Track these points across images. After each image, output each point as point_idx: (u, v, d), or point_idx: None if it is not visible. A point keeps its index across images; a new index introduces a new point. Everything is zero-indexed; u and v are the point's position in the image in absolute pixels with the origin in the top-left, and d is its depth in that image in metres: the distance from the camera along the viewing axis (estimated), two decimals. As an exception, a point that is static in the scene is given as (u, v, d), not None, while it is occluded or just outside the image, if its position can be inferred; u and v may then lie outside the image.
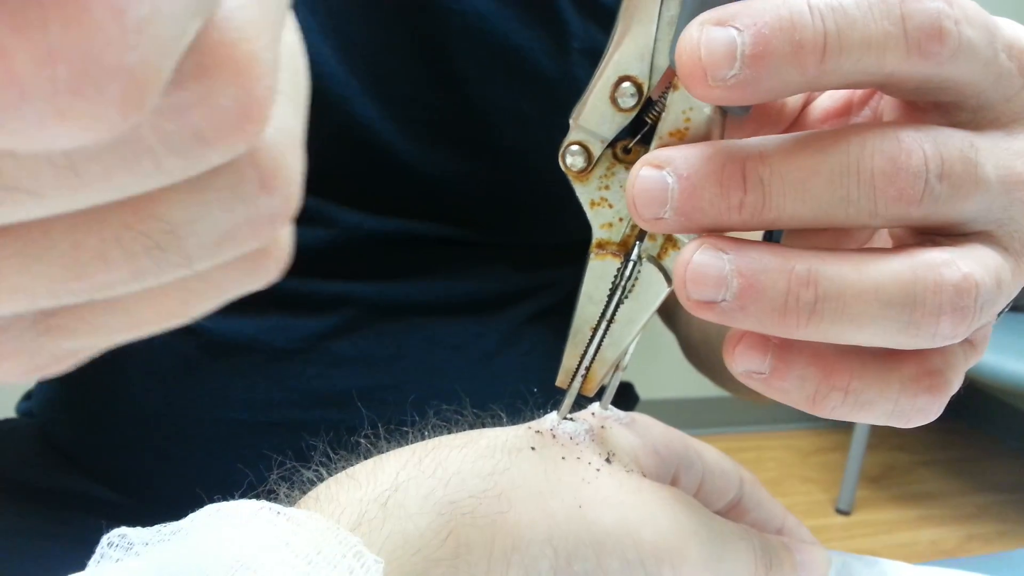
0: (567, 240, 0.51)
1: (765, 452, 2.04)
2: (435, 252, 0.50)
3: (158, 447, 0.48)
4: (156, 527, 0.24)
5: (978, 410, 2.20)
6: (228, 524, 0.23)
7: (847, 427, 1.88)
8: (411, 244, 0.49)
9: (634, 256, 0.25)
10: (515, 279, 0.52)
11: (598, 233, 0.26)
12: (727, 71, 0.20)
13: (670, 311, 0.59)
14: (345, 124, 0.45)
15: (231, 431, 0.47)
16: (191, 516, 0.24)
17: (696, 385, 1.80)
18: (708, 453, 0.33)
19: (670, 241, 0.25)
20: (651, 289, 0.25)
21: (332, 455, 0.27)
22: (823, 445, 2.09)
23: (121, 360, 0.50)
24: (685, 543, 0.26)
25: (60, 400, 0.55)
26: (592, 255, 0.26)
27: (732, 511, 0.33)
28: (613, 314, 0.26)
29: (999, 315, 0.24)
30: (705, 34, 0.20)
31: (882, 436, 2.02)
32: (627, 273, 0.25)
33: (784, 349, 0.22)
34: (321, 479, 0.26)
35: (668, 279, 0.25)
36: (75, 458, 0.51)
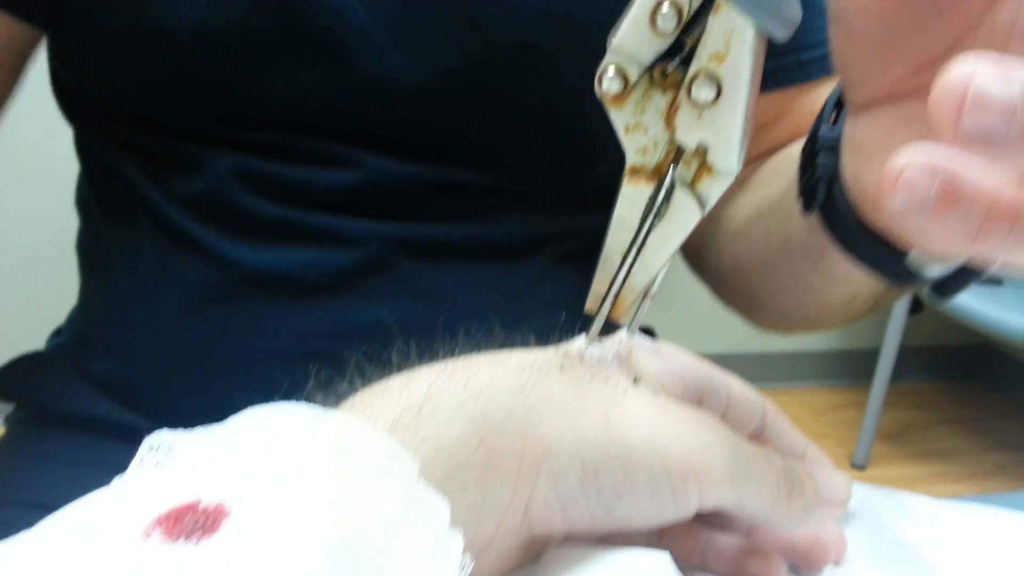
0: (593, 187, 0.52)
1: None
2: (461, 197, 0.50)
3: (191, 376, 0.49)
4: (196, 429, 0.25)
5: (996, 370, 2.19)
6: (267, 424, 0.24)
7: (863, 385, 1.88)
8: (437, 188, 0.49)
9: (667, 182, 0.26)
10: (541, 224, 0.53)
11: (632, 159, 0.26)
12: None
13: (698, 248, 0.59)
14: (373, 73, 0.46)
15: (264, 361, 0.48)
16: (230, 418, 0.25)
17: (711, 341, 1.81)
18: (733, 383, 0.33)
19: (704, 167, 0.25)
20: (683, 215, 0.26)
21: (365, 369, 0.28)
22: (839, 402, 2.10)
23: (151, 293, 0.51)
24: (711, 461, 0.27)
25: (89, 333, 0.56)
26: (625, 181, 0.26)
27: (755, 441, 0.34)
28: (644, 239, 0.26)
29: None
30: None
31: (899, 394, 2.02)
32: (660, 199, 0.26)
33: (950, 181, 0.20)
34: (355, 390, 0.27)
35: (701, 205, 0.26)
36: (107, 388, 0.52)
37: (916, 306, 1.67)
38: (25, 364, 0.58)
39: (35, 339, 0.62)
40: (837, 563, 0.34)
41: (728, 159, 0.25)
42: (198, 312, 0.49)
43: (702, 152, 0.25)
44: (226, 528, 0.20)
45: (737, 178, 0.57)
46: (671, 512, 0.27)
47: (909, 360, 1.91)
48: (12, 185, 1.60)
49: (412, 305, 0.49)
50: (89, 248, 0.57)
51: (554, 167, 0.51)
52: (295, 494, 0.22)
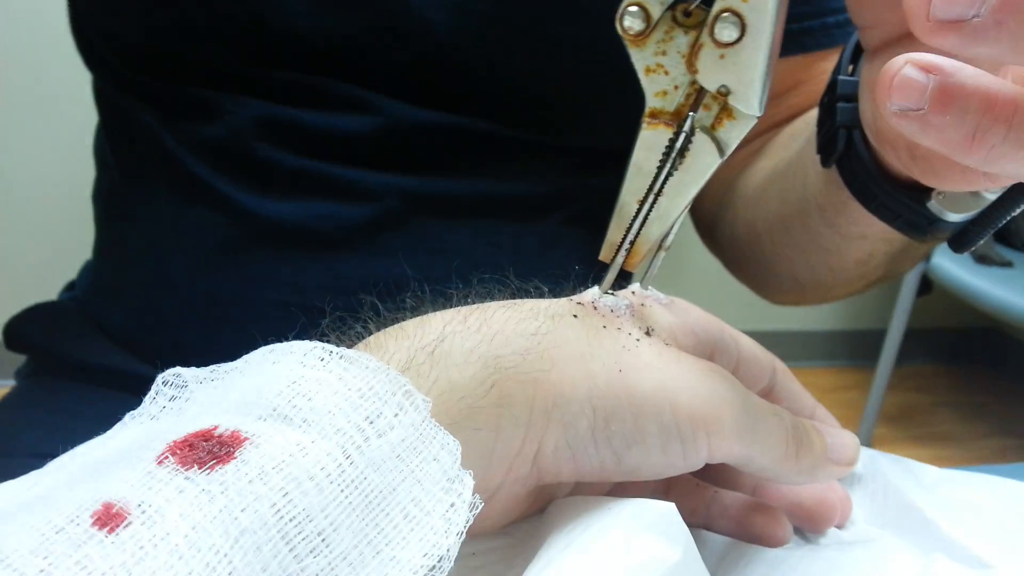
0: (611, 145, 0.51)
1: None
2: (478, 149, 0.50)
3: (204, 327, 0.49)
4: (211, 366, 0.25)
5: (1002, 354, 2.19)
6: (282, 360, 0.24)
7: (868, 367, 1.88)
8: (455, 138, 0.49)
9: (688, 126, 0.25)
10: (558, 182, 0.52)
11: (651, 102, 0.25)
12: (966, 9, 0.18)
13: (713, 217, 0.59)
14: (396, 14, 0.45)
15: (277, 313, 0.48)
16: (245, 356, 0.25)
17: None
18: (743, 340, 0.33)
19: (725, 111, 0.25)
20: (702, 160, 0.25)
21: (380, 311, 0.27)
22: (843, 383, 2.10)
23: (167, 243, 0.51)
24: (721, 412, 0.27)
25: (104, 284, 0.56)
26: (644, 124, 0.26)
27: (764, 398, 0.34)
28: (662, 186, 0.26)
29: None
30: None
31: (903, 377, 2.02)
32: (679, 143, 0.25)
33: (945, 80, 0.20)
34: (369, 333, 0.27)
35: (721, 150, 0.25)
36: (120, 339, 0.52)
37: (924, 287, 1.66)
38: (38, 314, 0.58)
39: (48, 294, 0.62)
40: (841, 525, 0.34)
41: (750, 102, 0.24)
42: (214, 263, 0.49)
43: (723, 95, 0.25)
44: (240, 457, 0.20)
45: (754, 146, 0.57)
46: (680, 463, 0.27)
47: (915, 342, 1.91)
48: (25, 138, 1.60)
49: (426, 262, 0.49)
50: (105, 198, 0.57)
51: (576, 119, 0.51)
52: (308, 427, 0.21)
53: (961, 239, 0.36)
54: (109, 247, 0.56)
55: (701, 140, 0.25)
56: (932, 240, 0.38)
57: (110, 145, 0.55)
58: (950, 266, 1.57)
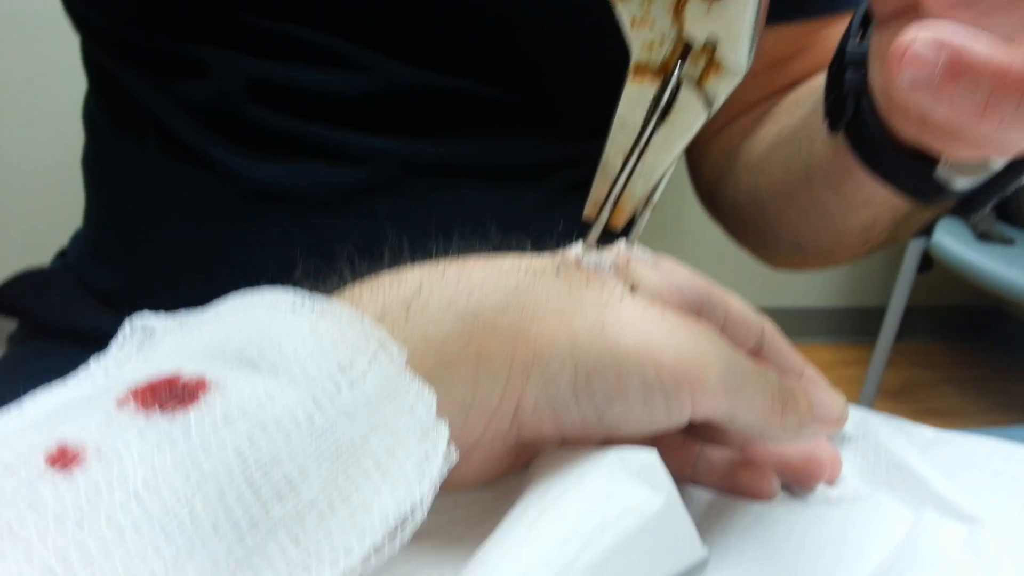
0: (607, 112, 0.51)
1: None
2: (472, 113, 0.49)
3: (195, 290, 0.49)
4: (180, 315, 0.24)
5: (1002, 331, 2.19)
6: (252, 308, 0.24)
7: (868, 343, 1.88)
8: (448, 100, 0.48)
9: (674, 79, 0.25)
10: (552, 149, 0.52)
11: (637, 55, 0.25)
12: None
13: (715, 183, 0.58)
14: None
15: (267, 278, 0.48)
16: (215, 305, 0.25)
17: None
18: (731, 299, 0.33)
19: (712, 65, 0.25)
20: (689, 114, 0.25)
21: (356, 263, 0.27)
22: (843, 359, 2.10)
23: (157, 207, 0.51)
24: (705, 369, 0.26)
25: (95, 248, 0.56)
26: (629, 79, 0.26)
27: (752, 358, 0.34)
28: (647, 141, 0.26)
29: None
30: None
31: (904, 353, 2.02)
32: (665, 97, 0.25)
33: (956, 54, 0.20)
34: (344, 285, 0.27)
35: (708, 104, 0.25)
36: (111, 302, 0.52)
37: (925, 263, 1.66)
38: (29, 279, 0.58)
39: (39, 262, 0.62)
40: (831, 482, 0.34)
41: (738, 54, 0.24)
42: (204, 227, 0.49)
43: (711, 47, 0.24)
44: (203, 402, 0.20)
45: (756, 113, 0.56)
46: (664, 419, 0.27)
47: (915, 319, 1.91)
48: (15, 106, 1.59)
49: (417, 228, 0.49)
50: (95, 163, 0.57)
51: (570, 83, 0.50)
52: (276, 374, 0.21)
53: (967, 205, 0.36)
54: (99, 212, 0.56)
55: (687, 95, 0.25)
56: (938, 206, 0.38)
57: (99, 110, 0.55)
58: (951, 243, 1.57)
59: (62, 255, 0.61)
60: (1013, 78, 0.20)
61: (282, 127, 0.47)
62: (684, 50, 0.25)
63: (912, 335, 2.02)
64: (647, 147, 0.26)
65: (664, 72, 0.25)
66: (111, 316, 0.53)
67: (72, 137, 0.59)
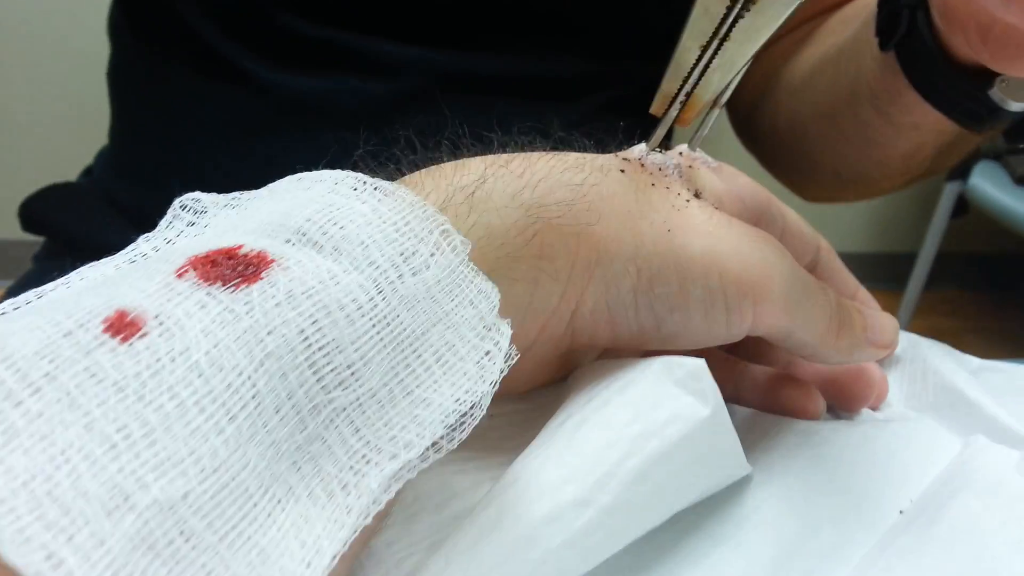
0: (644, 30, 0.49)
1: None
2: (508, 23, 0.47)
3: None
4: (233, 193, 0.24)
5: (1033, 283, 2.15)
6: (312, 187, 0.23)
7: (897, 290, 1.86)
8: (485, 8, 0.47)
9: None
10: (588, 66, 0.50)
11: None
12: None
13: (752, 106, 0.57)
14: None
15: None
16: (270, 184, 0.24)
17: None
18: (790, 213, 0.32)
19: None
20: (778, 1, 0.24)
21: (417, 147, 0.26)
22: (870, 305, 2.08)
23: (186, 122, 0.50)
24: (770, 282, 0.26)
25: (121, 164, 0.55)
26: None
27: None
28: (730, 29, 0.24)
29: None
30: None
31: (932, 301, 2.00)
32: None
33: None
34: (403, 173, 0.26)
35: None
36: (136, 218, 0.52)
37: (960, 208, 1.62)
38: (55, 194, 0.57)
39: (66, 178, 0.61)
40: (876, 406, 0.34)
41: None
42: (233, 141, 0.48)
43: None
44: (268, 278, 0.19)
45: (799, 33, 0.54)
46: (723, 331, 0.26)
47: (946, 266, 1.88)
48: (44, 24, 1.57)
49: (450, 147, 0.48)
50: (121, 76, 0.55)
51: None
52: (339, 256, 0.20)
53: (1019, 130, 0.35)
54: (126, 126, 0.55)
55: (779, -25, 0.23)
56: (988, 130, 0.36)
57: (125, 20, 0.53)
58: (988, 187, 1.53)
59: (88, 172, 0.60)
60: None
61: (314, 35, 0.46)
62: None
63: (941, 283, 1.99)
64: (729, 35, 0.24)
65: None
66: (138, 233, 0.52)
67: (105, 51, 0.57)
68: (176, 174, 0.50)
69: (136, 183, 0.53)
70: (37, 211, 0.56)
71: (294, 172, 0.47)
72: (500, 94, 0.48)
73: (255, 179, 0.48)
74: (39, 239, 0.58)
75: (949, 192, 1.65)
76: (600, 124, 0.51)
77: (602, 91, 0.51)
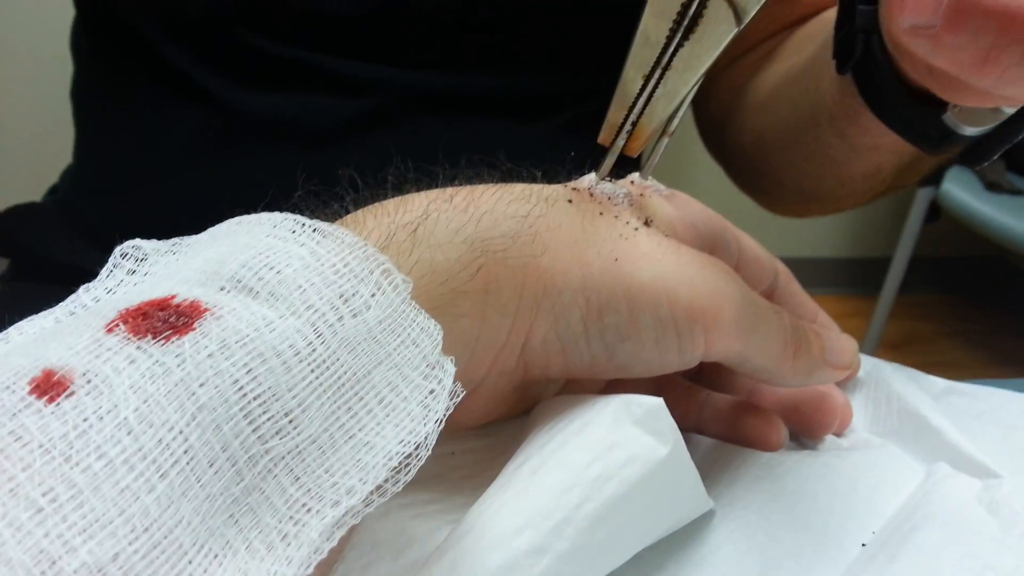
0: (608, 45, 0.48)
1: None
2: (477, 42, 0.47)
3: (188, 227, 0.48)
4: (173, 239, 0.23)
5: (1006, 285, 2.17)
6: (250, 231, 0.22)
7: (871, 294, 1.87)
8: (452, 27, 0.46)
9: (703, -12, 0.23)
10: (556, 81, 0.50)
11: None
12: None
13: (720, 123, 0.56)
14: None
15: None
16: (211, 228, 0.23)
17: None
18: (745, 239, 0.32)
19: (745, -28, 0.22)
20: (718, 28, 0.23)
21: (359, 186, 0.26)
22: (845, 310, 2.09)
23: (149, 141, 0.49)
24: (720, 308, 0.25)
25: (86, 184, 0.54)
26: None
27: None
28: (671, 58, 0.24)
29: None
30: None
31: (906, 305, 2.01)
32: (693, 7, 0.23)
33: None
34: (347, 211, 0.25)
35: (738, 18, 0.23)
36: (102, 240, 0.51)
37: (933, 213, 1.64)
38: (19, 214, 0.56)
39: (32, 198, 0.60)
40: (840, 432, 0.33)
41: None
42: (197, 159, 0.47)
43: (743, -46, 0.22)
44: (200, 329, 0.19)
45: (763, 49, 0.54)
46: (675, 359, 0.26)
47: (919, 270, 1.89)
48: (9, 38, 1.55)
49: (422, 160, 0.47)
50: (84, 94, 0.55)
51: (574, 14, 0.48)
52: (275, 302, 0.20)
53: (975, 153, 0.34)
54: (90, 146, 0.54)
55: (717, 5, 0.23)
56: (944, 153, 0.36)
57: (86, 38, 0.52)
58: (960, 193, 1.54)
59: (53, 191, 0.59)
60: (1020, 24, 0.18)
61: (278, 55, 0.45)
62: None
63: (915, 287, 2.01)
64: (670, 65, 0.24)
65: (693, -20, 0.23)
66: (103, 254, 0.51)
67: (64, 65, 0.56)
68: (140, 193, 0.49)
69: (100, 201, 0.52)
70: (1, 233, 0.55)
71: (259, 189, 0.46)
72: (465, 112, 0.48)
73: (218, 197, 0.47)
74: (4, 260, 0.57)
75: (922, 198, 1.66)
76: (568, 140, 0.51)
77: (569, 108, 0.51)
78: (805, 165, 0.48)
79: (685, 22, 0.23)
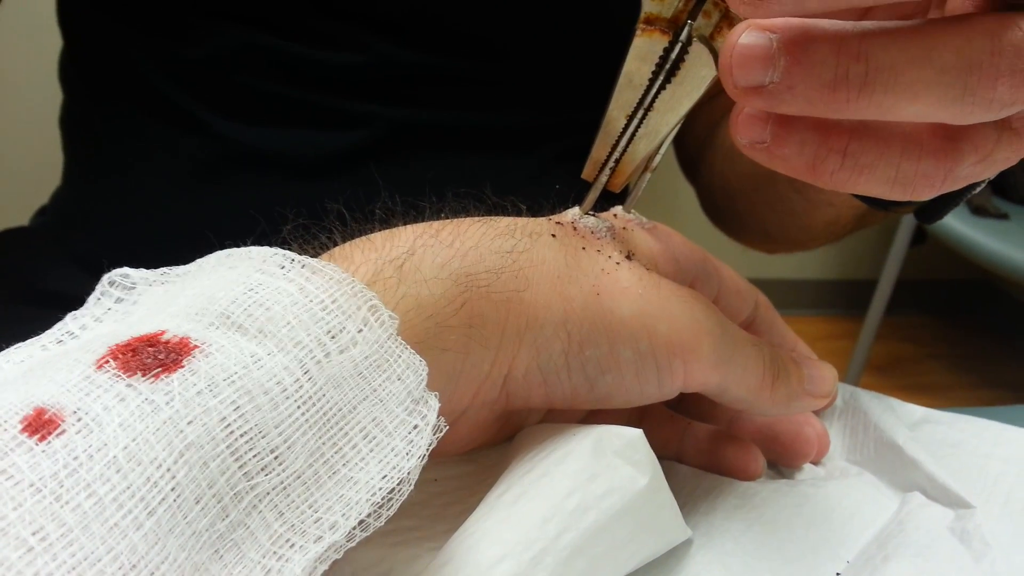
0: (597, 78, 0.49)
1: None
2: (463, 86, 0.48)
3: (176, 256, 0.48)
4: (161, 269, 0.23)
5: (992, 307, 2.19)
6: (239, 266, 0.23)
7: (857, 316, 1.88)
8: (440, 77, 0.47)
9: (684, 34, 0.24)
10: (544, 117, 0.51)
11: (647, 6, 0.24)
12: None
13: (695, 157, 0.58)
14: None
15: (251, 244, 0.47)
16: (199, 260, 0.24)
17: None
18: (726, 270, 0.32)
19: (726, 19, 0.23)
20: (698, 73, 0.24)
21: (347, 220, 0.26)
22: (832, 332, 2.10)
23: (138, 169, 0.49)
24: (699, 340, 0.26)
25: (73, 211, 0.54)
26: (638, 31, 0.24)
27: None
28: (653, 99, 0.24)
29: None
30: None
31: (892, 327, 2.03)
32: (675, 53, 0.24)
33: (784, 116, 0.21)
34: (334, 244, 0.26)
35: (718, 62, 0.24)
36: (89, 266, 0.51)
37: (919, 237, 1.65)
38: (7, 239, 0.56)
39: (20, 221, 0.60)
40: (817, 461, 0.34)
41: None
42: (187, 189, 0.48)
43: (724, 1, 0.23)
44: (189, 366, 0.19)
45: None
46: (655, 391, 0.27)
47: (906, 293, 1.91)
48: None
49: (411, 193, 0.48)
50: (74, 123, 0.55)
51: (559, 55, 0.49)
52: (264, 338, 0.20)
53: (927, 212, 0.36)
54: (78, 173, 0.54)
55: (698, 51, 0.24)
56: (898, 212, 0.37)
57: (77, 67, 0.53)
58: (946, 217, 1.55)
59: (42, 212, 0.59)
60: (835, 136, 0.20)
61: (275, 92, 0.46)
62: (696, 3, 0.23)
63: (901, 309, 2.03)
64: (652, 106, 0.24)
65: (675, 26, 0.24)
66: (91, 281, 0.51)
67: (53, 89, 0.56)
68: (128, 222, 0.50)
69: (88, 230, 0.52)
70: None
71: (248, 220, 0.47)
72: (453, 147, 0.49)
73: (207, 226, 0.47)
74: None
75: (908, 221, 1.67)
76: (553, 173, 0.51)
77: (559, 140, 0.52)
78: (767, 213, 0.49)
79: (667, 66, 0.24)
